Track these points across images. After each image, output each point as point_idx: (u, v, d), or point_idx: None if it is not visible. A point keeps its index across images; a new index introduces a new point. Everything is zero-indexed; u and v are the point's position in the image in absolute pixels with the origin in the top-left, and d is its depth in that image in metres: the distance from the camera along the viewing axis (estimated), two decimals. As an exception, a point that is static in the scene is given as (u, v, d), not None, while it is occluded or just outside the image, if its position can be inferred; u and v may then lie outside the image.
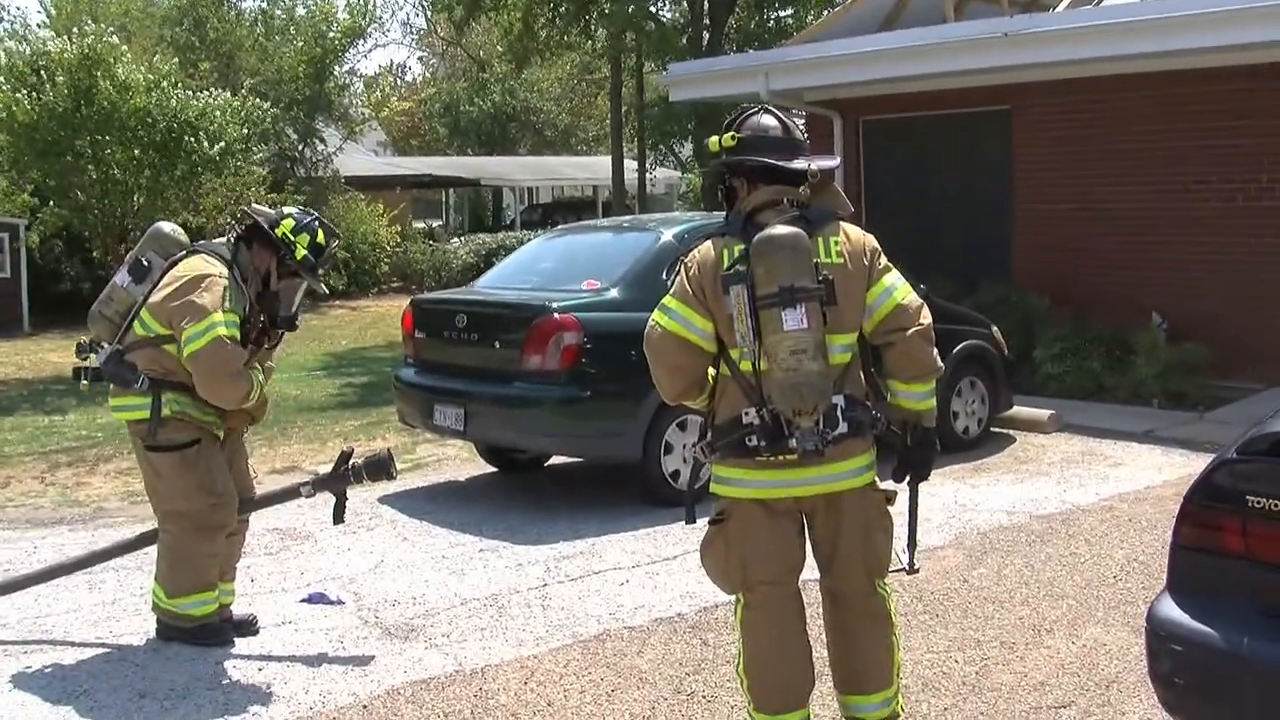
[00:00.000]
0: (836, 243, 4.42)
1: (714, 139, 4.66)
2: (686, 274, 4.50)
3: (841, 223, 4.51)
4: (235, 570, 6.58)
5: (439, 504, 9.29)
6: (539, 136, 52.43)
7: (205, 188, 20.14)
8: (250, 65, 30.29)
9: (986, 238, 14.89)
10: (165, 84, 18.69)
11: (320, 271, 6.46)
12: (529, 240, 15.83)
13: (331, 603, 6.97)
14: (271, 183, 24.73)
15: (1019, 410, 11.58)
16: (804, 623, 4.63)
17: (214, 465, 6.22)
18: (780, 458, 4.35)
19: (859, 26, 16.08)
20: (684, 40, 25.51)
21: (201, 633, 6.26)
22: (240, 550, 6.64)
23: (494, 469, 10.42)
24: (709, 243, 4.50)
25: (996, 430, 11.30)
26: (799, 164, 4.52)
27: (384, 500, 9.37)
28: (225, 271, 6.10)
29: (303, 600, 7.00)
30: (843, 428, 4.35)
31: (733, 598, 4.67)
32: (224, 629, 6.36)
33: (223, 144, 18.20)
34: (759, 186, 4.55)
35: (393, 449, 7.10)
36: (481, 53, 52.85)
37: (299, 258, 6.27)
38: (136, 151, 17.68)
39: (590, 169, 44.87)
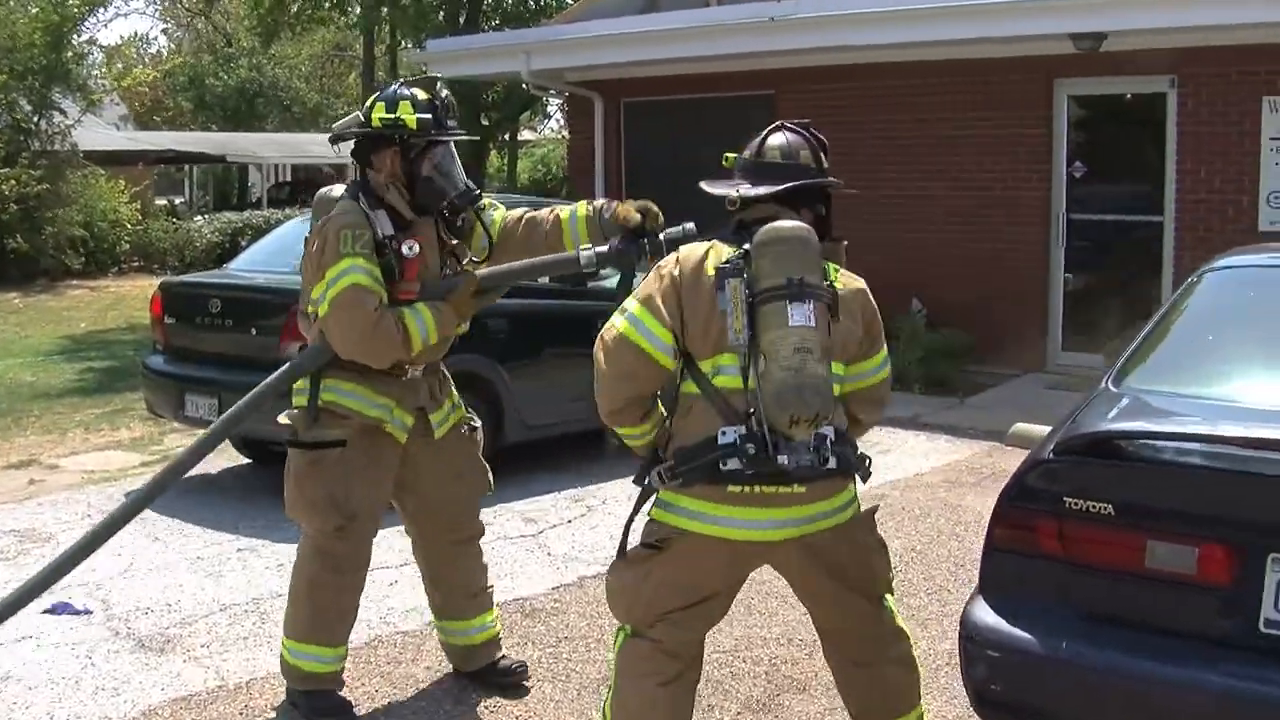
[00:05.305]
0: (838, 273, 4.10)
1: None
2: (659, 276, 4.06)
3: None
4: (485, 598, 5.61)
5: (191, 499, 8.73)
6: (287, 113, 51.12)
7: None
8: (-19, 31, 28.65)
9: (748, 223, 14.88)
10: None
11: (453, 122, 5.26)
12: (278, 219, 15.27)
13: (78, 612, 6.46)
14: (4, 156, 23.42)
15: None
16: (692, 694, 4.22)
17: (354, 475, 5.10)
18: (758, 489, 3.89)
19: (623, 7, 15.97)
20: (440, 16, 25.03)
21: (310, 701, 5.19)
22: (477, 575, 5.60)
23: (248, 460, 9.92)
24: (690, 247, 4.11)
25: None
26: (731, 190, 4.19)
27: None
28: (346, 207, 5.09)
29: (45, 611, 6.39)
30: (832, 463, 3.92)
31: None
32: (343, 707, 5.24)
33: None
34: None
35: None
36: (229, 25, 51.28)
37: (416, 127, 5.08)
38: None
39: (340, 147, 43.90)
